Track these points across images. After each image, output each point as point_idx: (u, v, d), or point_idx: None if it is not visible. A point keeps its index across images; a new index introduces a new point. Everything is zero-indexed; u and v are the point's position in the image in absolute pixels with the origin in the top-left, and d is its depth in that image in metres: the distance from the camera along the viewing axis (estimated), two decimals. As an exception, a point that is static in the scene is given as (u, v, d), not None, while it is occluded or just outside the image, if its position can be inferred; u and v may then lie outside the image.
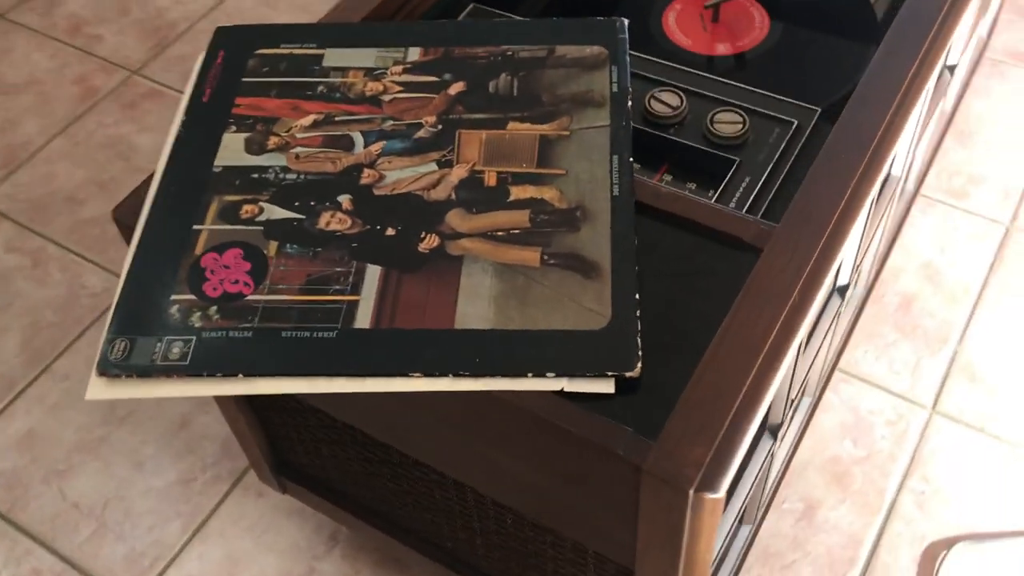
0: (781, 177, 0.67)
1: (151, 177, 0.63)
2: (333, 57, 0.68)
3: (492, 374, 0.52)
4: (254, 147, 0.63)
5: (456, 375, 0.52)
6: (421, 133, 0.63)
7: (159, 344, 0.54)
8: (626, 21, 0.69)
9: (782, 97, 0.72)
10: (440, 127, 0.63)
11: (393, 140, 0.63)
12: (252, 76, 0.67)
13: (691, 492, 0.47)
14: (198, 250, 0.58)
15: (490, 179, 0.60)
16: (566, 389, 0.51)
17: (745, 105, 0.71)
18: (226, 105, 0.65)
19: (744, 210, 0.64)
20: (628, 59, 0.66)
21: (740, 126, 0.69)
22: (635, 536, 0.55)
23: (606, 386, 0.51)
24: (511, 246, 0.57)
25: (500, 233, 0.58)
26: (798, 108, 0.71)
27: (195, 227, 0.59)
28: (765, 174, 0.67)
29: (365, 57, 0.68)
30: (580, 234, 0.57)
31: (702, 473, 0.48)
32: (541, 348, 0.52)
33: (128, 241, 0.62)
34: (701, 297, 0.56)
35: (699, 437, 0.49)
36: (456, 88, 0.65)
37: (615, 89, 0.64)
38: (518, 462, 0.57)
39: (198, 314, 0.55)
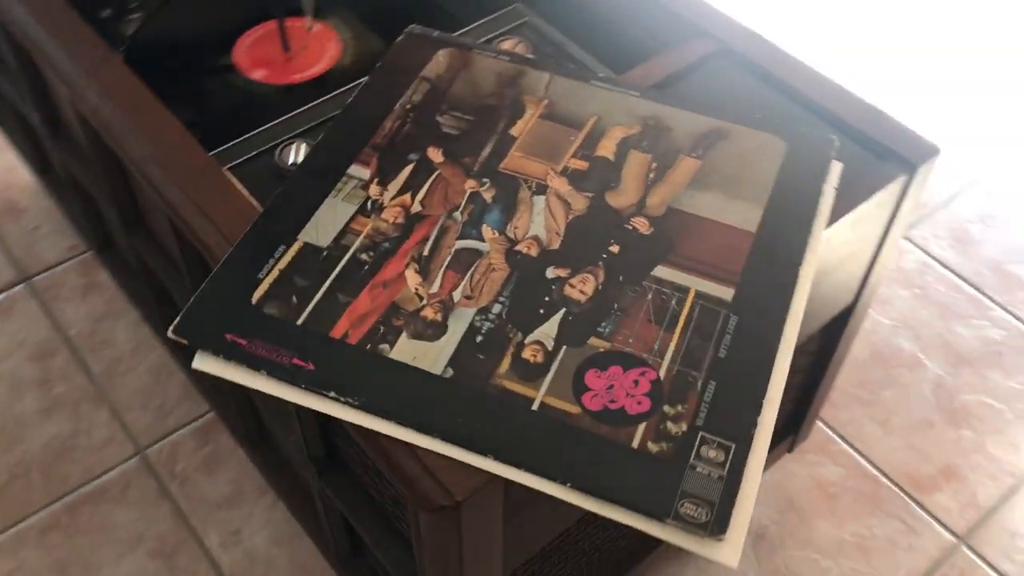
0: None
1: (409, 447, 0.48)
2: (315, 234, 0.56)
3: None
4: (428, 332, 0.52)
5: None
6: (486, 198, 0.58)
7: (708, 448, 0.47)
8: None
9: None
10: (488, 183, 0.59)
11: (485, 214, 0.57)
12: (279, 316, 0.52)
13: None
14: (571, 408, 0.49)
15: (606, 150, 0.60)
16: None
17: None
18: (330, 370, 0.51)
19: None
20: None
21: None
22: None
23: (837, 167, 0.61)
24: (672, 176, 0.60)
25: (651, 175, 0.60)
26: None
27: (534, 408, 0.49)
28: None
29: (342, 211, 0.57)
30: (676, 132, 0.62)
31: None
32: (800, 178, 0.59)
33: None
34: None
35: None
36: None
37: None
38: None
39: (676, 410, 0.49)
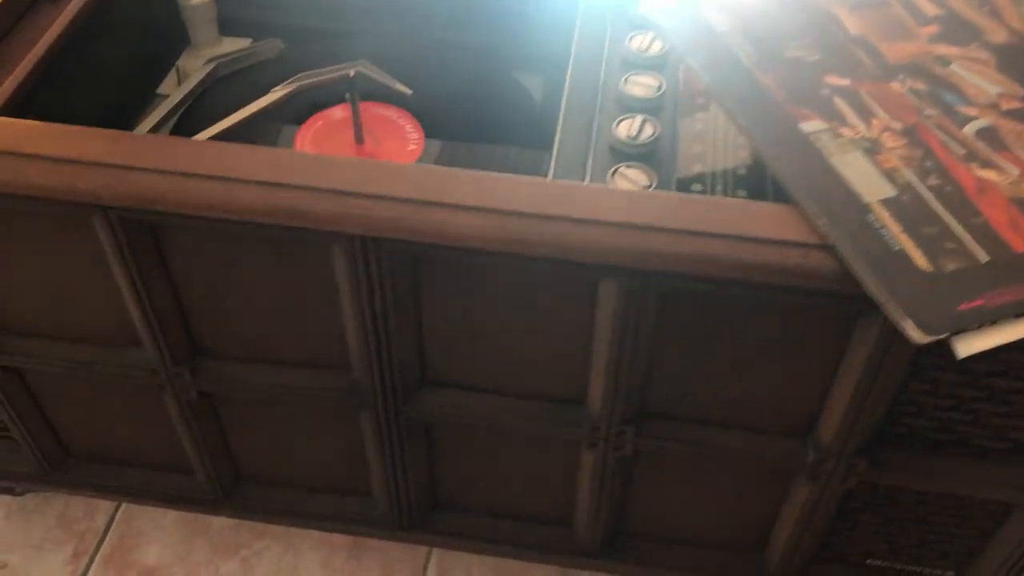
0: None
1: None
2: (874, 192, 0.50)
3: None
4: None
5: None
6: (923, 88, 0.56)
7: None
8: None
9: None
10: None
11: (943, 102, 0.55)
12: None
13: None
14: None
15: (933, 30, 0.60)
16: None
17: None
18: None
19: None
20: None
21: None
22: None
23: None
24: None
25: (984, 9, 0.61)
26: None
27: None
28: None
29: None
30: None
31: None
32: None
33: None
34: None
35: None
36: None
37: None
38: None
39: None
